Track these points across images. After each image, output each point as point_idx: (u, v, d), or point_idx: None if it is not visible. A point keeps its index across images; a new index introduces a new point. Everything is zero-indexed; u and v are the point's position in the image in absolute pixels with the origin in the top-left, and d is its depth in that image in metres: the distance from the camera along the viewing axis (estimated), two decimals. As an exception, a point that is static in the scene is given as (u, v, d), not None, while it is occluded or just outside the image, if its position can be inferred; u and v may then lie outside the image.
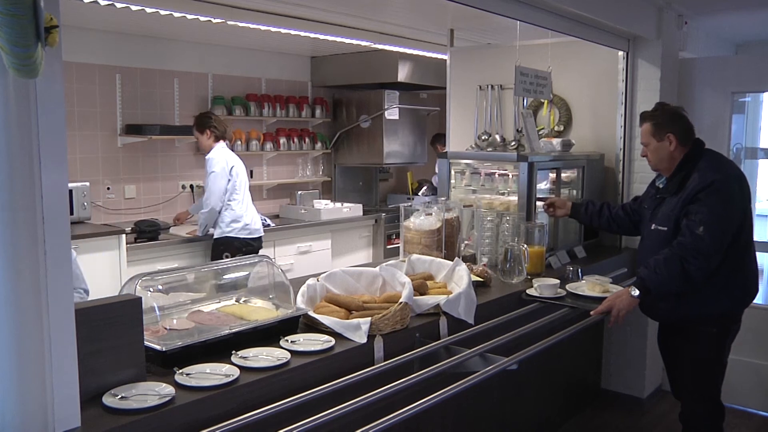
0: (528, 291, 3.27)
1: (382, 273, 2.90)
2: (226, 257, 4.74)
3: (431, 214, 3.55)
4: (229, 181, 5.09)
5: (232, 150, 5.40)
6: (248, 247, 5.11)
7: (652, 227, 3.23)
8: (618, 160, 4.58)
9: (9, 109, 1.50)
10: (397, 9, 4.87)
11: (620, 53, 4.49)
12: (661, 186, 3.29)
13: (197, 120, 5.23)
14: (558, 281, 3.31)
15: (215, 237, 5.12)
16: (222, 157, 5.09)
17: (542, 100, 4.66)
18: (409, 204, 3.85)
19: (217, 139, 5.15)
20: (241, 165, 5.24)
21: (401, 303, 2.57)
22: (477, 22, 4.89)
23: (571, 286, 3.34)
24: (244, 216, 5.15)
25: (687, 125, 3.20)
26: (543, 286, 3.26)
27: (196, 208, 5.45)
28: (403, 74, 6.42)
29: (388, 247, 6.69)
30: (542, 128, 4.74)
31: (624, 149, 4.56)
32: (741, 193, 3.10)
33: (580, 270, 3.54)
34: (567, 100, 4.68)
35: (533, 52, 4.35)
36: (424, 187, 7.72)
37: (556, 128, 4.72)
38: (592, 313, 3.07)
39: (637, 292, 3.05)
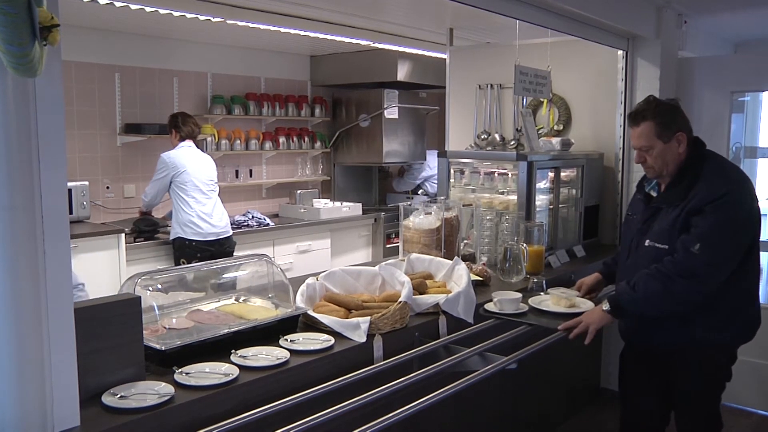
0: (487, 306, 2.95)
1: (382, 272, 2.90)
2: (183, 263, 4.72)
3: (431, 213, 3.56)
4: (171, 184, 4.93)
5: (231, 149, 5.39)
6: (204, 252, 4.89)
7: (647, 243, 2.72)
8: (617, 159, 4.58)
9: (8, 108, 1.50)
10: (397, 8, 4.87)
11: (619, 52, 4.49)
12: (654, 193, 2.83)
13: (168, 120, 5.17)
14: (520, 295, 2.98)
15: (171, 238, 5.01)
16: (171, 157, 4.94)
17: (541, 100, 4.66)
18: (409, 203, 3.85)
19: (182, 139, 5.03)
20: (201, 166, 5.03)
21: (400, 302, 2.57)
22: (476, 21, 4.89)
23: (534, 301, 3.03)
24: (195, 218, 4.93)
25: (688, 121, 2.75)
26: (504, 301, 2.94)
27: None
28: (402, 73, 6.42)
29: (388, 246, 6.69)
30: (541, 127, 4.74)
31: (623, 148, 4.56)
32: (753, 208, 2.63)
33: (544, 282, 3.24)
34: (566, 99, 4.68)
35: (533, 51, 4.35)
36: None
37: (555, 127, 4.72)
38: (559, 327, 2.71)
39: (607, 306, 2.67)
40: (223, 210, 5.18)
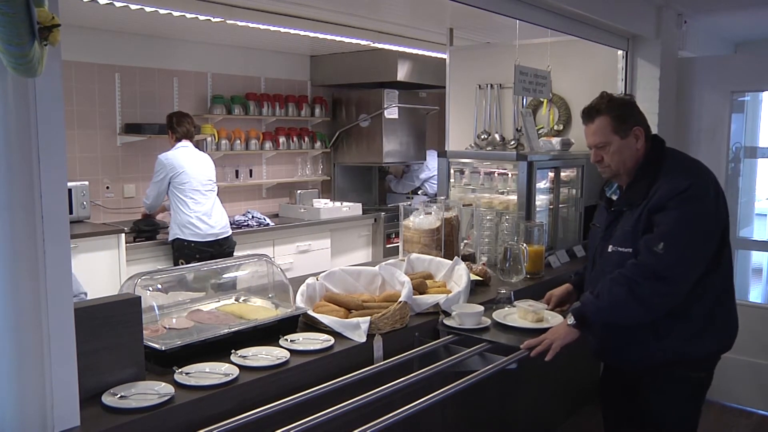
0: (446, 320, 2.71)
1: (382, 272, 2.90)
2: (182, 264, 4.69)
3: (431, 213, 3.55)
4: (170, 185, 4.91)
5: (231, 148, 5.39)
6: (203, 253, 4.86)
7: (610, 249, 2.54)
8: (617, 159, 4.58)
9: (8, 108, 1.50)
10: (397, 8, 4.87)
11: (620, 52, 4.49)
12: (614, 197, 2.64)
13: (166, 121, 5.14)
14: (481, 308, 2.73)
15: (170, 239, 4.99)
16: (168, 158, 4.91)
17: (541, 99, 4.66)
18: (409, 203, 3.85)
19: (178, 140, 5.00)
20: (199, 166, 5.00)
21: (400, 302, 2.58)
22: (476, 21, 4.89)
23: (498, 315, 2.78)
24: (193, 219, 4.91)
25: (645, 117, 2.61)
26: (463, 315, 2.68)
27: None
28: (402, 73, 6.42)
29: (388, 246, 6.70)
30: (541, 127, 4.74)
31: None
32: (719, 203, 2.45)
33: (512, 294, 2.97)
34: (566, 99, 4.68)
35: (532, 51, 4.35)
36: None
37: (555, 127, 4.72)
38: (522, 346, 2.45)
39: (572, 320, 2.44)
40: (222, 210, 5.16)
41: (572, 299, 2.86)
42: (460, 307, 2.73)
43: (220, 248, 5.03)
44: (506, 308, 2.85)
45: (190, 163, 4.95)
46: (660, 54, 4.43)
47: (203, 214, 4.96)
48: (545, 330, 2.54)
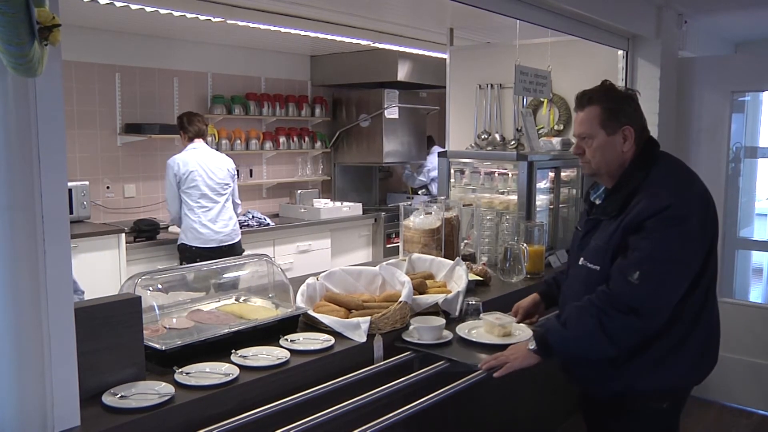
0: (405, 334, 2.51)
1: (382, 272, 2.90)
2: None
3: (431, 213, 3.55)
4: (179, 187, 4.82)
5: (231, 148, 5.36)
6: (204, 258, 4.55)
7: (580, 262, 2.30)
8: (617, 159, 4.58)
9: (8, 108, 1.50)
10: (397, 8, 4.87)
11: (620, 52, 4.49)
12: (597, 201, 2.39)
13: (177, 123, 5.06)
14: (443, 321, 2.54)
15: (177, 243, 4.94)
16: (174, 162, 4.81)
17: (542, 99, 4.66)
18: (409, 203, 3.85)
19: (190, 139, 4.89)
20: (210, 168, 4.85)
21: (401, 302, 2.57)
22: (477, 21, 4.89)
23: (462, 328, 2.59)
24: (196, 224, 4.82)
25: (643, 117, 2.35)
26: (423, 329, 2.47)
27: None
28: (402, 73, 6.42)
29: (388, 246, 6.70)
30: (542, 127, 4.74)
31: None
32: (706, 224, 2.18)
33: (481, 305, 2.76)
34: (566, 99, 4.68)
35: (533, 51, 4.35)
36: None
37: (555, 127, 4.72)
38: (480, 366, 2.25)
39: (533, 345, 2.21)
40: (231, 215, 5.02)
41: (540, 310, 2.70)
42: (419, 320, 2.54)
43: (223, 255, 4.78)
44: (473, 320, 2.67)
45: (199, 164, 4.81)
46: (660, 54, 4.43)
47: (208, 219, 4.84)
48: (511, 345, 2.36)
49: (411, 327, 2.50)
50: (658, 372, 2.17)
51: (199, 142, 4.90)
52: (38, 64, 1.31)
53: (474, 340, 2.50)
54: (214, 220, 4.87)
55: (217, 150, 5.81)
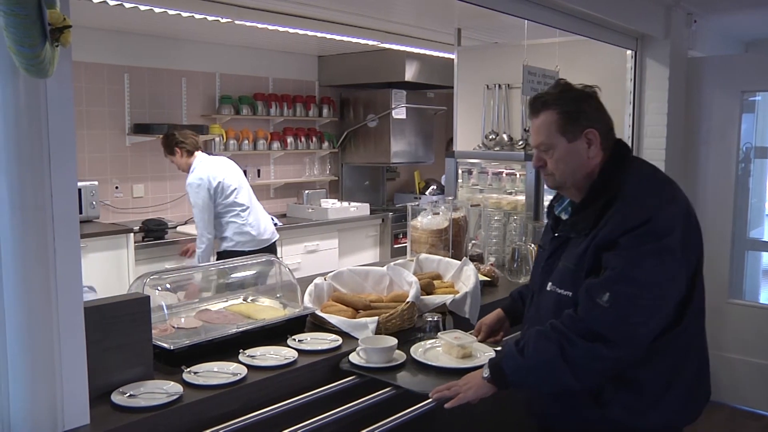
0: (351, 357, 2.25)
1: (389, 272, 2.90)
2: None
3: (438, 214, 3.56)
4: (215, 201, 4.61)
5: (239, 149, 5.34)
6: None
7: (548, 287, 2.01)
8: (626, 159, 4.57)
9: (20, 109, 1.51)
10: (405, 8, 4.88)
11: (628, 52, 4.48)
12: (565, 216, 2.08)
13: (163, 144, 4.74)
14: (394, 341, 2.26)
15: (218, 251, 4.75)
16: (201, 180, 4.56)
17: (550, 100, 4.65)
18: (417, 203, 3.85)
19: (190, 154, 4.65)
20: (231, 171, 4.74)
21: (408, 302, 2.57)
22: (484, 21, 4.88)
23: (418, 349, 2.32)
24: (247, 227, 4.71)
25: (608, 116, 2.04)
26: (371, 350, 2.21)
27: None
28: (410, 73, 6.42)
29: (395, 246, 6.70)
30: (550, 127, 4.73)
31: (632, 148, 4.54)
32: (690, 241, 1.89)
33: (442, 322, 2.50)
34: (575, 99, 4.67)
35: (541, 51, 4.34)
36: (432, 187, 7.71)
37: (563, 127, 4.71)
38: (431, 395, 1.98)
39: (487, 373, 1.93)
40: (263, 215, 4.95)
41: (505, 327, 2.43)
42: (367, 341, 2.27)
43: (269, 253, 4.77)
44: (432, 339, 2.41)
45: (220, 172, 4.65)
46: (669, 54, 4.42)
47: (255, 219, 4.77)
48: (470, 370, 2.09)
49: (358, 348, 2.25)
50: (649, 414, 1.89)
51: (200, 153, 4.72)
52: (49, 65, 1.32)
53: (428, 363, 2.22)
54: (259, 219, 4.82)
55: (224, 150, 5.87)
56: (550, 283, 2.01)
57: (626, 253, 1.81)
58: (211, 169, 4.63)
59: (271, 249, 4.90)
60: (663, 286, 1.82)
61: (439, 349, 2.34)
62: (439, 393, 1.98)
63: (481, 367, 2.01)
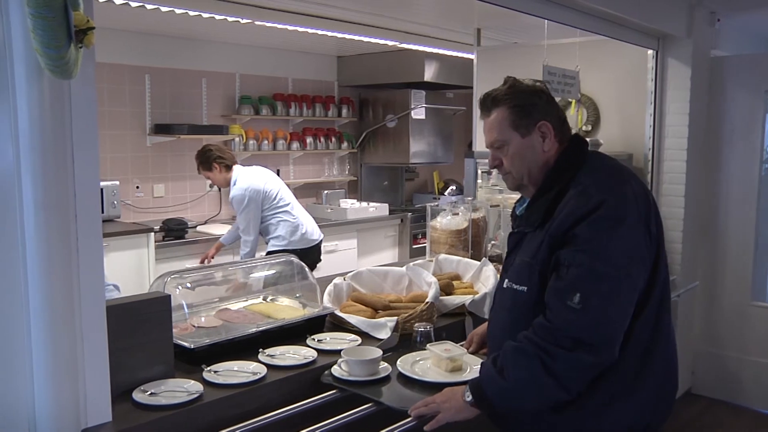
0: (333, 369, 2.12)
1: (409, 273, 2.90)
2: None
3: (458, 214, 3.55)
4: (262, 208, 4.69)
5: (259, 149, 5.36)
6: (306, 258, 4.00)
7: (505, 284, 1.94)
8: (647, 160, 4.53)
9: (44, 110, 1.53)
10: (424, 8, 4.87)
11: (650, 52, 4.44)
12: (521, 213, 2.01)
13: (199, 160, 4.73)
14: (379, 353, 2.15)
15: (268, 250, 4.78)
16: (246, 191, 4.62)
17: (570, 100, 4.62)
18: (436, 204, 3.84)
19: (228, 168, 4.67)
20: (269, 177, 4.81)
21: (427, 303, 2.57)
22: (504, 21, 4.86)
23: (406, 361, 2.19)
24: (299, 224, 4.80)
25: (560, 110, 2.00)
26: (354, 363, 2.09)
27: (228, 238, 4.96)
28: (429, 74, 6.41)
29: (414, 246, 6.69)
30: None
31: (653, 149, 4.51)
32: (649, 225, 1.80)
33: (432, 331, 2.34)
34: (595, 99, 4.64)
35: (561, 51, 4.32)
36: (451, 187, 7.70)
37: (583, 128, 4.68)
38: (411, 413, 1.87)
39: (469, 397, 1.80)
40: (308, 216, 5.02)
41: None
42: (349, 352, 2.14)
43: (317, 253, 5.02)
44: (422, 351, 2.27)
45: (262, 179, 4.73)
46: (692, 53, 4.37)
47: (305, 218, 4.90)
48: (459, 384, 1.93)
49: (339, 360, 2.13)
50: (607, 415, 1.79)
51: (238, 167, 4.75)
52: (74, 66, 1.34)
53: (414, 377, 2.09)
54: (307, 218, 4.93)
55: (244, 150, 5.90)
56: (506, 280, 1.93)
57: (587, 246, 1.71)
58: (252, 179, 4.69)
59: (317, 249, 4.97)
60: (633, 273, 1.73)
61: (428, 362, 2.20)
62: (417, 410, 1.87)
63: (464, 382, 1.90)
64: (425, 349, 2.24)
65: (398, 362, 2.17)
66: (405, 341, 2.41)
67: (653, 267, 1.81)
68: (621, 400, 1.79)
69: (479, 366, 1.97)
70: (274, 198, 4.74)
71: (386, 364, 2.16)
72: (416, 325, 2.39)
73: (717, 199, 4.76)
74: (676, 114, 4.44)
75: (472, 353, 2.29)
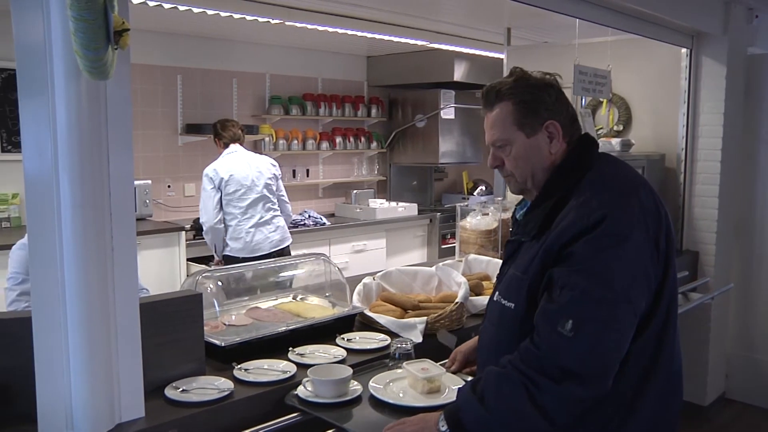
0: (299, 389, 1.95)
1: (438, 273, 2.90)
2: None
3: (488, 214, 3.53)
4: (220, 192, 4.49)
5: (288, 149, 5.35)
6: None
7: (495, 296, 1.77)
8: (680, 160, 4.46)
9: (81, 110, 1.56)
10: (454, 8, 4.85)
11: (683, 50, 4.37)
12: (521, 218, 1.84)
13: (212, 133, 4.81)
14: (348, 372, 1.96)
15: (222, 255, 4.62)
16: (214, 169, 4.50)
17: (601, 100, 4.58)
18: (465, 204, 3.83)
19: (225, 145, 4.63)
20: (246, 171, 4.54)
21: (457, 303, 2.56)
22: (535, 20, 4.83)
23: (380, 380, 2.00)
24: (243, 233, 4.51)
25: (570, 106, 1.79)
26: (318, 383, 1.91)
27: None
28: (459, 73, 6.39)
29: (443, 246, 6.68)
30: (601, 128, 4.65)
31: (686, 149, 4.44)
32: (658, 242, 1.61)
33: (413, 350, 2.14)
34: (626, 99, 4.59)
35: (592, 50, 4.27)
36: (480, 187, 7.67)
37: (615, 128, 4.63)
38: None
39: (444, 427, 1.62)
40: (280, 219, 4.72)
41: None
42: (316, 371, 1.95)
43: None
44: (399, 369, 2.07)
45: (238, 169, 4.53)
46: (727, 51, 4.29)
47: (256, 225, 4.54)
48: (435, 408, 1.75)
49: (305, 379, 1.96)
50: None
51: (235, 146, 4.64)
52: (110, 67, 1.36)
53: (386, 399, 1.89)
54: (261, 226, 4.56)
55: (274, 150, 5.93)
56: (497, 293, 1.77)
57: (584, 266, 1.52)
58: (227, 163, 4.53)
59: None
60: (632, 299, 1.53)
61: (405, 381, 2.00)
62: None
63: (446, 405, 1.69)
64: (401, 368, 2.04)
65: (371, 382, 1.97)
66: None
67: (659, 286, 1.61)
68: (616, 425, 1.60)
69: (458, 386, 1.83)
70: (231, 193, 4.49)
71: (358, 384, 1.98)
72: (394, 341, 2.19)
73: (753, 200, 4.67)
74: (711, 113, 4.37)
75: (455, 372, 2.08)
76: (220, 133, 4.68)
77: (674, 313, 1.68)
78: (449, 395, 1.88)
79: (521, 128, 1.71)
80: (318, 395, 1.90)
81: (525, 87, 1.73)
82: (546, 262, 1.59)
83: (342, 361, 2.17)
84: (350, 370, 1.97)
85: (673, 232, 1.69)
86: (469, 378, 1.98)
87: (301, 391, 1.94)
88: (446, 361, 2.13)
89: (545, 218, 1.65)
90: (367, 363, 2.18)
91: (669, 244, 1.65)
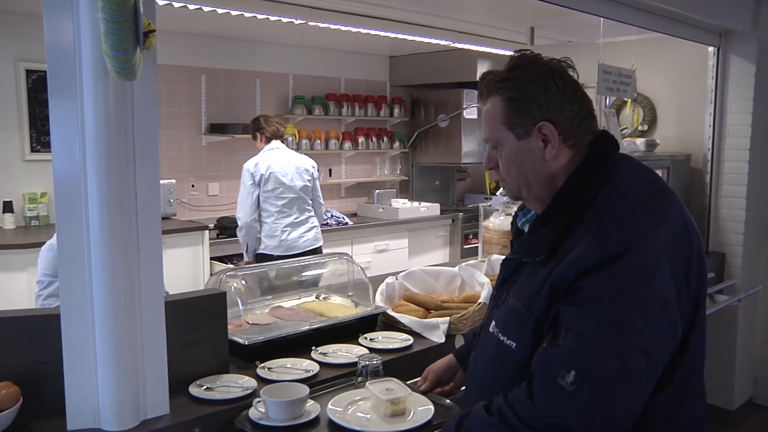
0: (251, 411, 1.79)
1: (461, 273, 2.89)
2: None
3: (510, 214, 3.51)
4: (259, 188, 4.49)
5: (311, 148, 5.39)
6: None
7: (491, 327, 1.51)
8: (706, 160, 4.41)
9: (109, 111, 1.58)
10: (476, 8, 4.84)
11: (710, 49, 4.32)
12: (523, 227, 1.61)
13: (250, 128, 4.82)
14: (305, 392, 1.78)
15: (256, 252, 4.63)
16: (255, 164, 4.50)
17: (625, 99, 4.54)
18: (488, 204, 3.82)
19: (267, 140, 4.63)
20: (287, 168, 4.55)
21: (480, 303, 2.55)
22: (558, 19, 4.79)
23: (340, 402, 1.83)
24: (278, 231, 4.52)
25: (575, 102, 1.47)
26: (271, 404, 1.74)
27: None
28: (481, 73, 6.36)
29: (465, 246, 6.66)
30: (625, 128, 4.61)
31: (713, 149, 4.38)
32: (688, 279, 1.34)
33: (381, 366, 1.97)
34: (651, 98, 4.55)
35: (616, 50, 4.24)
36: (502, 188, 7.62)
37: (639, 128, 4.59)
38: None
39: None
40: (314, 220, 4.74)
41: (457, 376, 1.90)
42: (268, 391, 1.77)
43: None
44: (360, 386, 1.93)
45: (280, 165, 4.53)
46: (757, 49, 4.23)
47: (291, 224, 4.55)
48: None
49: (256, 400, 1.81)
50: None
51: (277, 143, 4.66)
52: (137, 68, 1.38)
53: (343, 425, 1.70)
54: (297, 225, 4.59)
55: (296, 150, 5.95)
56: (493, 323, 1.51)
57: (594, 307, 1.27)
58: (270, 158, 4.53)
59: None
60: (650, 352, 1.27)
61: (368, 403, 1.83)
62: None
63: (413, 430, 1.57)
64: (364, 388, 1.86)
65: (329, 404, 1.80)
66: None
67: (687, 331, 1.35)
68: None
69: (425, 409, 1.73)
70: (270, 190, 4.50)
71: (315, 404, 1.82)
72: (361, 357, 2.00)
73: (781, 201, 4.61)
74: (738, 113, 4.31)
75: (425, 392, 1.89)
76: (263, 128, 4.68)
77: (702, 357, 1.43)
78: (414, 418, 1.72)
79: (511, 129, 1.46)
80: (271, 418, 1.73)
81: (516, 80, 1.48)
82: (553, 298, 1.34)
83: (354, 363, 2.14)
84: (307, 390, 1.79)
85: (705, 257, 1.41)
86: (440, 399, 1.84)
87: (252, 413, 1.77)
88: (418, 379, 1.95)
89: (555, 241, 1.38)
90: (333, 380, 2.03)
91: (700, 279, 1.37)
